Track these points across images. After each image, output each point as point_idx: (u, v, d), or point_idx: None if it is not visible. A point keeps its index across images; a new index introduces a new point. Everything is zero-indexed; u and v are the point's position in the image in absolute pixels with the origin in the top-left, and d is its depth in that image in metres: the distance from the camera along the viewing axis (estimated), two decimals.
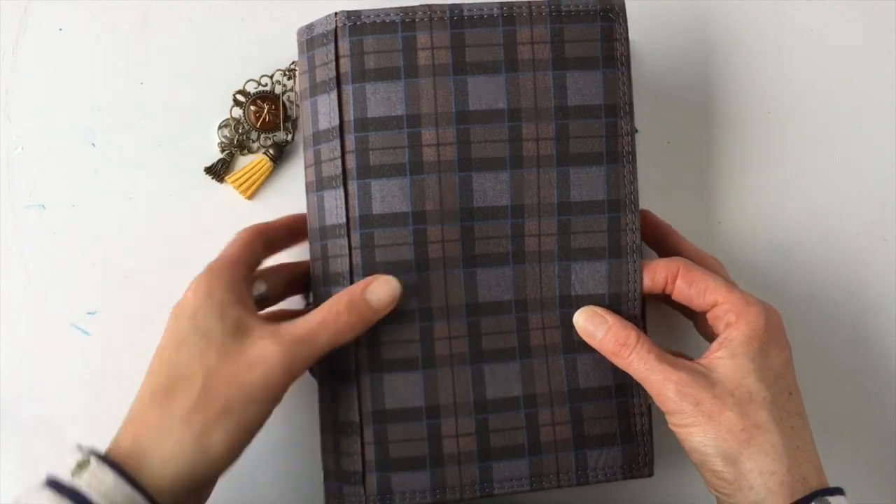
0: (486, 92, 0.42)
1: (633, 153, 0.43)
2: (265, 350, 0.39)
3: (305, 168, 0.45)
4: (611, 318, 0.42)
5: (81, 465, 0.36)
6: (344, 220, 0.42)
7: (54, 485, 0.36)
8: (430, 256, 0.43)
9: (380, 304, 0.41)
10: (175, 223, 0.51)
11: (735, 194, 0.53)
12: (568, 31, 0.43)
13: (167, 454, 0.37)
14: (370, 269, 0.42)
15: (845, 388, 0.53)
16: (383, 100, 0.42)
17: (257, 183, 0.51)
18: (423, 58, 0.42)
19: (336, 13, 0.42)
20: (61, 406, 0.50)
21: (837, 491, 0.39)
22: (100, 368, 0.50)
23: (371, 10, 0.42)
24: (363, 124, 0.42)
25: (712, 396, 0.39)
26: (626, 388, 0.44)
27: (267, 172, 0.51)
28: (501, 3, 0.42)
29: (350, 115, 0.42)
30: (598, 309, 0.43)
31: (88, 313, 0.50)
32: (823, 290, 0.53)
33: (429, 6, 0.42)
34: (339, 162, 0.42)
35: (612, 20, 0.43)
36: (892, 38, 0.54)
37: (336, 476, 0.44)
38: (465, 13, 0.42)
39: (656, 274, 0.43)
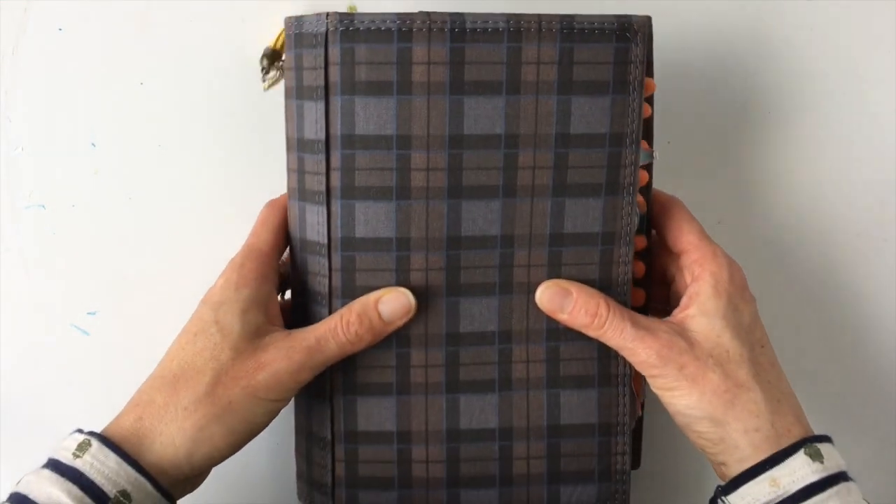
0: (483, 115, 0.39)
1: (634, 184, 0.41)
2: (276, 356, 0.39)
3: (288, 171, 0.43)
4: (575, 290, 0.41)
5: (82, 447, 0.37)
6: (325, 239, 0.41)
7: (55, 466, 0.37)
8: (412, 284, 0.41)
9: (392, 316, 0.41)
10: (175, 223, 0.51)
11: (735, 194, 0.53)
12: (578, 52, 0.39)
13: (167, 439, 0.38)
14: (350, 292, 0.41)
15: (845, 388, 0.53)
16: (373, 116, 0.39)
17: None
18: (418, 73, 0.39)
19: (328, 14, 0.39)
20: (61, 406, 0.50)
21: (825, 438, 0.39)
22: (100, 368, 0.50)
23: (365, 14, 0.39)
24: (350, 141, 0.40)
25: (694, 359, 0.39)
26: (610, 427, 0.43)
27: None
28: (509, 15, 0.39)
29: (337, 130, 0.40)
30: (560, 282, 0.41)
31: (88, 313, 0.50)
32: (823, 290, 0.53)
33: (428, 14, 0.38)
34: (323, 178, 0.40)
35: (628, 40, 0.39)
36: (892, 38, 0.54)
37: (307, 481, 0.44)
38: (469, 25, 0.38)
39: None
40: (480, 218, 0.41)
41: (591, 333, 0.41)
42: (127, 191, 0.51)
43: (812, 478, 0.37)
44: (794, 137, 0.53)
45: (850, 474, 0.39)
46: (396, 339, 0.41)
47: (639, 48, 0.39)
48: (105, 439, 0.38)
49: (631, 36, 0.39)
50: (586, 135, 0.40)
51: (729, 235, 0.53)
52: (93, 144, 0.51)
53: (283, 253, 0.44)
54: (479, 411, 0.42)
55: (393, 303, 0.41)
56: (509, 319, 0.42)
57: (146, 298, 0.50)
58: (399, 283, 0.41)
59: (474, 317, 0.42)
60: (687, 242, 0.42)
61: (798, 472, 0.37)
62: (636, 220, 0.42)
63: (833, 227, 0.53)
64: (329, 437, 0.42)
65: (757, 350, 0.40)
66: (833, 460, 0.38)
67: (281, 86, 0.51)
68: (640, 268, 0.44)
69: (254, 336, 0.40)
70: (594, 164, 0.40)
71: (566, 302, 0.41)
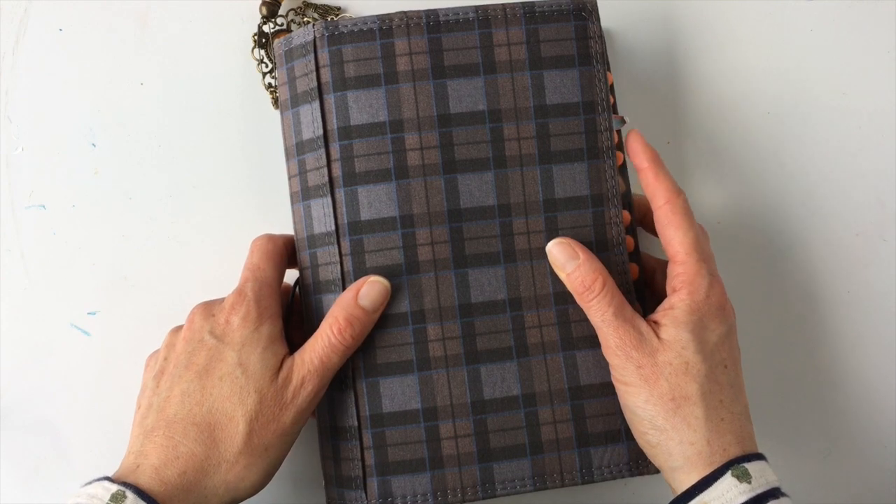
0: (465, 94, 0.43)
1: (612, 148, 0.44)
2: (294, 391, 0.41)
3: (289, 178, 0.45)
4: (583, 256, 0.42)
5: (117, 498, 0.38)
6: (333, 227, 0.43)
7: None
8: (420, 259, 0.43)
9: (374, 305, 0.42)
10: (175, 223, 0.51)
11: (735, 194, 0.53)
12: (543, 31, 0.43)
13: (210, 491, 0.40)
14: (361, 274, 0.42)
15: (845, 387, 0.53)
16: (365, 107, 0.42)
17: None
18: (402, 63, 0.42)
19: (314, 24, 0.43)
20: (61, 406, 0.50)
21: (756, 457, 0.40)
22: (100, 368, 0.50)
23: (348, 18, 0.42)
24: (347, 132, 0.42)
25: (653, 363, 0.41)
26: None
27: None
28: (476, 6, 0.43)
29: (334, 124, 0.43)
30: (574, 243, 0.43)
31: (88, 313, 0.50)
32: (823, 290, 0.53)
33: (405, 13, 0.43)
34: (324, 171, 0.43)
35: (585, 18, 0.44)
36: (892, 38, 0.54)
37: (337, 482, 0.44)
38: (441, 18, 0.43)
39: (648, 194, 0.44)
40: (476, 189, 0.43)
41: (578, 301, 0.43)
42: (127, 191, 0.51)
43: (740, 499, 0.38)
44: (793, 138, 0.54)
45: (784, 490, 0.40)
46: (412, 315, 0.43)
47: (595, 25, 0.44)
48: (139, 491, 0.38)
49: (586, 14, 0.44)
50: (561, 104, 0.43)
51: (729, 235, 0.53)
52: (93, 144, 0.51)
53: (282, 283, 0.46)
54: (500, 380, 0.43)
55: (371, 293, 0.42)
56: (517, 287, 0.43)
57: (146, 298, 0.50)
58: (407, 260, 0.43)
59: (484, 287, 0.43)
60: (675, 252, 0.43)
61: (726, 494, 0.39)
62: (620, 181, 0.44)
63: (832, 227, 0.53)
64: (355, 423, 0.43)
65: (718, 369, 0.42)
66: (763, 478, 0.39)
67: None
68: (634, 269, 0.46)
69: (274, 373, 0.41)
70: (573, 130, 0.44)
71: (570, 263, 0.42)
